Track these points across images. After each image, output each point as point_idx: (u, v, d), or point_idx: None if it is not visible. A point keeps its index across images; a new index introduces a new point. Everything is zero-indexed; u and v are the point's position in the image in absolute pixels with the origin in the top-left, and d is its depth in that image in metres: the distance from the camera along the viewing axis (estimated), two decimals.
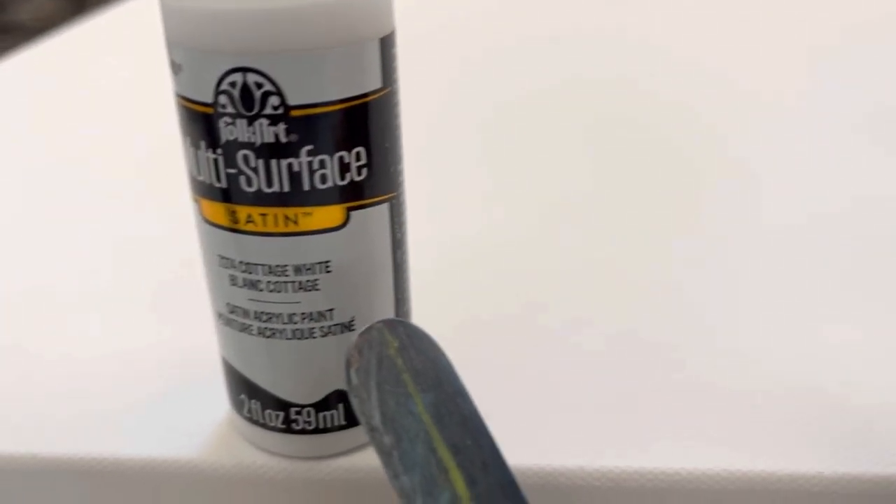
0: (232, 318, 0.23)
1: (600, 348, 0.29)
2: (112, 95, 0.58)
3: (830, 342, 0.29)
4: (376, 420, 0.20)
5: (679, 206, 0.39)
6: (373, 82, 0.21)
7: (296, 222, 0.21)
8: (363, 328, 0.22)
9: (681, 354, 0.28)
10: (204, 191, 0.22)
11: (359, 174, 0.22)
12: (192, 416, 0.26)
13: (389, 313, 0.24)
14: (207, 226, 0.22)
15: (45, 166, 0.46)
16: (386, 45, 0.21)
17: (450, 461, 0.20)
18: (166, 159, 0.46)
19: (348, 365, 0.20)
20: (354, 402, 0.20)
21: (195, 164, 0.22)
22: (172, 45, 0.21)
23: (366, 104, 0.21)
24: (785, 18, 0.69)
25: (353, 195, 0.22)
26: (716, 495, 0.23)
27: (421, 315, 0.28)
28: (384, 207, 0.23)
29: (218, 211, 0.22)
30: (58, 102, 0.57)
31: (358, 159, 0.21)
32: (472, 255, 0.35)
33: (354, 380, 0.20)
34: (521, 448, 0.24)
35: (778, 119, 0.49)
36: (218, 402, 0.27)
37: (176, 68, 0.21)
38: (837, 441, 0.24)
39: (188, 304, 0.32)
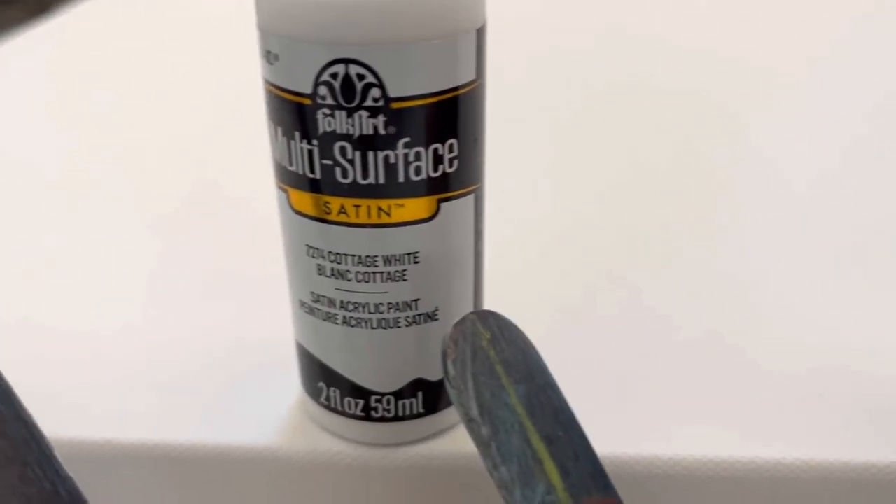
0: (316, 307, 0.23)
1: (668, 337, 0.29)
2: (126, 70, 0.57)
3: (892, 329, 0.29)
4: (474, 411, 0.20)
5: (728, 197, 0.39)
6: (468, 74, 0.21)
7: (388, 214, 0.21)
8: (456, 320, 0.22)
9: (751, 346, 0.29)
10: (294, 181, 0.22)
11: (450, 166, 0.22)
12: (262, 403, 0.26)
13: (469, 302, 0.24)
14: (295, 216, 0.22)
15: (74, 144, 0.46)
16: (480, 37, 0.21)
17: (544, 452, 0.20)
18: (201, 135, 0.46)
19: (445, 356, 0.20)
20: (452, 394, 0.20)
21: (286, 155, 0.22)
22: (268, 34, 0.21)
23: (461, 96, 0.21)
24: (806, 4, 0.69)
25: (444, 187, 0.22)
26: (791, 484, 0.24)
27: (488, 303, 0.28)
28: (470, 199, 0.23)
29: (308, 201, 0.22)
30: (71, 78, 0.56)
31: (451, 151, 0.21)
32: (528, 245, 0.35)
33: (452, 371, 0.20)
34: (597, 437, 0.25)
35: (811, 107, 0.49)
36: (287, 388, 0.27)
37: (271, 57, 0.21)
38: None
39: (254, 291, 0.32)
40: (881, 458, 0.24)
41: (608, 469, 0.24)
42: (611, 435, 0.25)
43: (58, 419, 0.26)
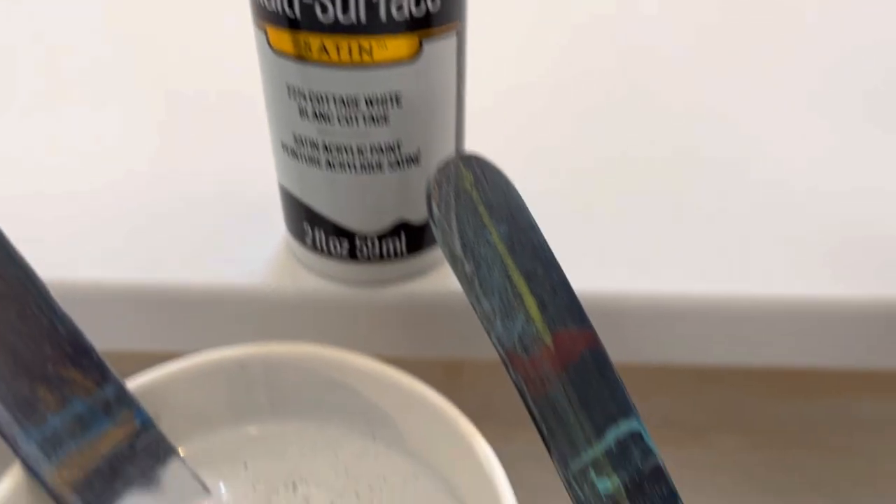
0: (298, 150, 0.23)
1: (642, 176, 0.30)
2: None
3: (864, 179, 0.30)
4: (458, 250, 0.21)
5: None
6: None
7: (370, 54, 0.21)
8: (440, 162, 0.23)
9: (723, 187, 0.29)
10: (272, 19, 0.21)
11: (433, 3, 0.21)
12: (250, 245, 0.27)
13: (451, 146, 0.24)
14: (275, 56, 0.22)
15: None
16: None
17: (523, 287, 0.21)
18: None
19: (429, 198, 0.21)
20: (437, 234, 0.21)
21: None
22: None
23: None
24: None
25: (426, 24, 0.21)
26: (759, 318, 0.25)
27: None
28: (452, 38, 0.22)
29: (288, 40, 0.21)
30: None
31: None
32: (507, 86, 0.35)
33: (436, 212, 0.21)
34: (574, 274, 0.26)
35: None
36: (274, 230, 0.27)
37: None
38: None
39: (237, 134, 0.32)
40: (840, 293, 0.25)
41: (585, 304, 0.25)
42: (587, 272, 0.26)
43: (46, 261, 0.26)
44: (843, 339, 0.26)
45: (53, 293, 0.24)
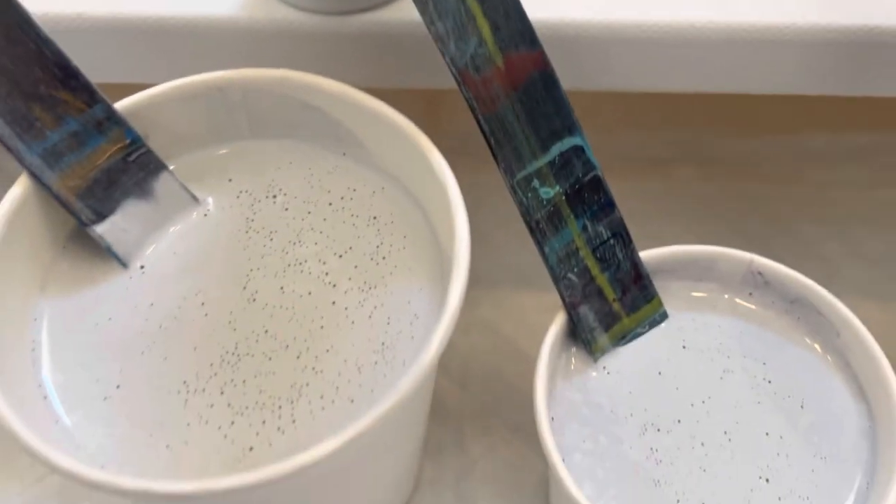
0: None
1: None
2: None
3: None
4: None
5: None
6: None
7: None
8: None
9: None
10: None
11: None
12: None
13: None
14: None
15: None
16: None
17: (477, 10, 0.23)
18: None
19: None
20: None
21: None
22: None
23: None
24: None
25: None
26: (693, 43, 0.27)
27: None
28: None
29: None
30: None
31: None
32: None
33: None
34: (536, 2, 0.26)
35: None
36: None
37: None
38: None
39: None
40: (800, 20, 0.26)
41: (543, 32, 0.27)
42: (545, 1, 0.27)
43: None
44: (802, 65, 0.27)
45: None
